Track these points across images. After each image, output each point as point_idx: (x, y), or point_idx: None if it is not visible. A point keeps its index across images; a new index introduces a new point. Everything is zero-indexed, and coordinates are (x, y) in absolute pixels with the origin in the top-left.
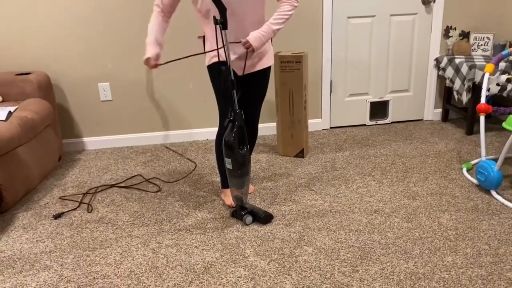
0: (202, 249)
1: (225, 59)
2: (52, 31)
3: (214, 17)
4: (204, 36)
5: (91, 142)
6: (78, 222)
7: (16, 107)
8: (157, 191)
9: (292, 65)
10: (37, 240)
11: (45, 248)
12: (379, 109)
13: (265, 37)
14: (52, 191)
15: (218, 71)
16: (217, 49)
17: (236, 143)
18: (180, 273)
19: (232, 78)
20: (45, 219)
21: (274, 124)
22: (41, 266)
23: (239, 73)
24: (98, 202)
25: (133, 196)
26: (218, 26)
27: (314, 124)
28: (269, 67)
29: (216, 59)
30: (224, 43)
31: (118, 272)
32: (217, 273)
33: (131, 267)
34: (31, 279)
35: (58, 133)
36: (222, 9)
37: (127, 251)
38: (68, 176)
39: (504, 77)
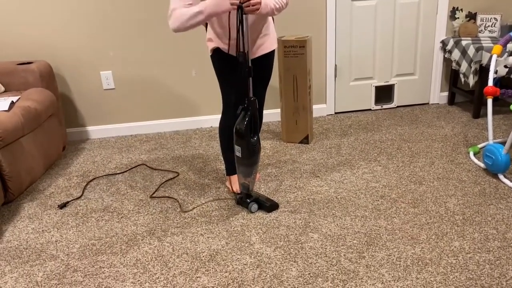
0: (208, 237)
1: (224, 48)
2: (53, 20)
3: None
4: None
5: (95, 131)
6: (83, 211)
7: (18, 97)
8: (175, 177)
9: (296, 50)
10: (43, 230)
11: (51, 238)
12: (384, 93)
13: (268, 8)
14: (57, 181)
15: (219, 57)
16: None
17: (248, 131)
18: (186, 261)
19: (250, 64)
20: (51, 208)
21: (278, 110)
22: (48, 256)
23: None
24: (103, 191)
25: (138, 184)
26: (238, 11)
27: (319, 109)
28: (273, 51)
29: (216, 46)
30: (244, 29)
31: (124, 261)
32: (223, 260)
33: (137, 256)
34: (38, 269)
35: (62, 122)
36: None
37: (133, 240)
38: (72, 166)
39: None
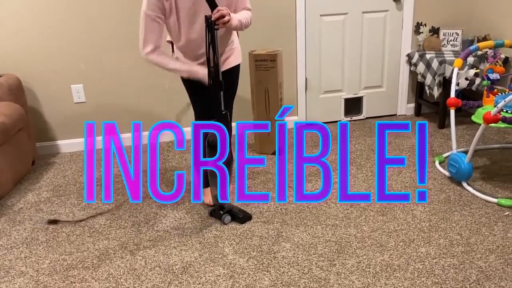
0: (181, 249)
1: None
2: (22, 32)
3: (206, 16)
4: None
5: (66, 145)
6: (54, 226)
7: None
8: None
9: (267, 64)
10: (11, 246)
11: (20, 254)
12: (353, 105)
13: (237, 21)
14: (26, 196)
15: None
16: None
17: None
18: (158, 274)
19: (220, 79)
20: (20, 224)
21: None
22: (16, 273)
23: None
24: (74, 206)
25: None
26: (207, 27)
27: (291, 121)
28: (238, 65)
29: None
30: (216, 43)
31: (96, 275)
32: (196, 272)
33: (109, 270)
34: (6, 286)
35: (31, 136)
36: (213, 6)
37: (105, 254)
38: (42, 180)
39: (472, 72)
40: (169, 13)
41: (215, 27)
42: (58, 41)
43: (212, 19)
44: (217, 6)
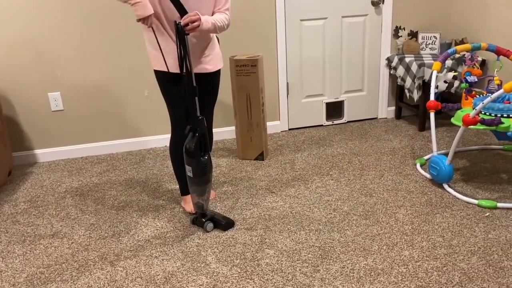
0: (163, 259)
1: (171, 70)
2: None
3: (175, 21)
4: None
5: (43, 154)
6: (31, 239)
7: None
8: None
9: (248, 69)
10: None
11: None
12: (335, 109)
13: (209, 24)
14: (2, 208)
15: (163, 77)
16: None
17: (197, 150)
18: (140, 285)
19: (194, 84)
20: None
21: (233, 128)
22: None
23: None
24: (52, 217)
25: (89, 208)
26: (176, 31)
27: (273, 126)
28: (219, 70)
29: (161, 68)
30: (188, 49)
31: None
32: (178, 282)
33: (89, 282)
34: None
35: (7, 146)
36: (183, 12)
37: (84, 266)
38: (19, 191)
39: (450, 74)
40: None
41: (185, 32)
42: (34, 48)
43: (182, 24)
44: (186, 10)
